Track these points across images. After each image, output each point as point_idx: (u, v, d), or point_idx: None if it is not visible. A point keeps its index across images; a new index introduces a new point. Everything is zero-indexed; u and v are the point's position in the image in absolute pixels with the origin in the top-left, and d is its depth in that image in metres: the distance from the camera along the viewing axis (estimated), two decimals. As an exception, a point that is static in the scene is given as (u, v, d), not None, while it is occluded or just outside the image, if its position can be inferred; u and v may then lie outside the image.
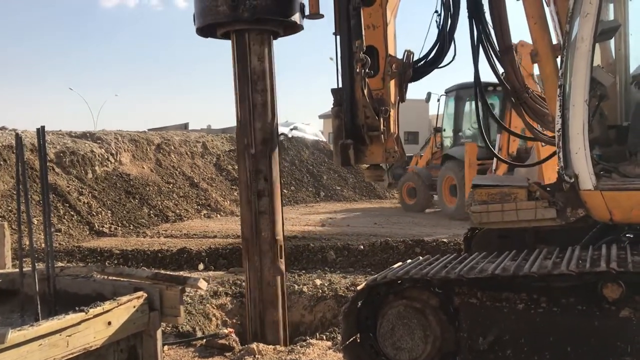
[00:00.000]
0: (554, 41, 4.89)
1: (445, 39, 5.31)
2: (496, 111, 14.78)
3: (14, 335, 2.65)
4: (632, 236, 4.26)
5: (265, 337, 5.35)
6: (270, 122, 5.59)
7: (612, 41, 4.76)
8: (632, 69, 4.79)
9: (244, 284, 6.04)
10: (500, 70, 5.33)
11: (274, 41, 5.81)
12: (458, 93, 14.85)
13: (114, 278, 3.91)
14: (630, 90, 4.65)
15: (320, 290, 7.10)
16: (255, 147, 5.52)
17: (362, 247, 9.08)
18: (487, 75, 5.40)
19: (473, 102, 15.51)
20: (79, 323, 3.01)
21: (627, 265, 3.27)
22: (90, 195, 14.86)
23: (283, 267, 5.62)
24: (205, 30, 5.75)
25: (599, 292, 3.42)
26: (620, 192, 3.81)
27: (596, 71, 4.09)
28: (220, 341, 5.14)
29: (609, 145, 4.44)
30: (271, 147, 5.59)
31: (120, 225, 14.05)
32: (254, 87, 5.54)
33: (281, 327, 5.58)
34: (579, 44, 3.84)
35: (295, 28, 5.86)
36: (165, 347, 5.05)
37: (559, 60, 4.72)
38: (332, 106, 5.31)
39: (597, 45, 4.24)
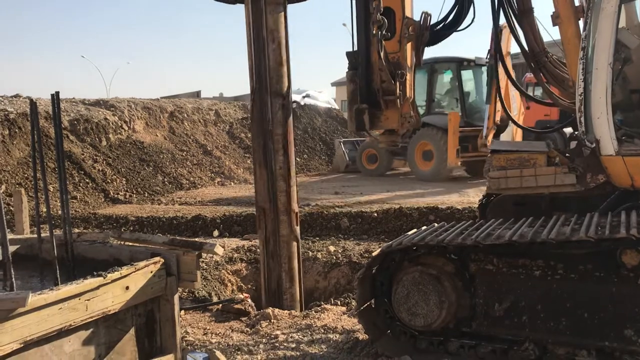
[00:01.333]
0: (576, 3, 4.76)
1: (464, 1, 5.19)
2: (470, 85, 15.62)
3: (34, 299, 2.67)
4: (652, 203, 4.20)
5: (283, 305, 5.39)
6: (287, 88, 5.50)
7: (638, 2, 4.61)
8: (658, 31, 4.65)
9: (258, 250, 6.07)
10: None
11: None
12: (432, 66, 15.48)
13: (130, 244, 3.93)
14: (655, 53, 4.52)
15: (334, 257, 7.12)
16: (272, 115, 5.43)
17: (375, 214, 9.06)
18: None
19: (447, 75, 16.20)
20: (97, 287, 3.03)
21: (648, 231, 3.21)
22: (104, 162, 14.93)
23: (298, 234, 5.62)
24: None
25: (618, 258, 3.39)
26: (642, 158, 3.74)
27: (621, 33, 3.98)
28: (236, 306, 5.18)
29: (631, 110, 4.34)
30: (287, 113, 5.52)
31: (135, 192, 14.14)
32: (271, 53, 5.41)
33: (297, 294, 5.61)
34: (604, 5, 3.73)
35: None
36: (182, 312, 5.11)
37: (580, 22, 4.60)
38: (346, 70, 5.23)
39: (622, 6, 4.12)
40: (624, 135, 3.92)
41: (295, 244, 5.57)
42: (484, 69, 14.43)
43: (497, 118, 12.51)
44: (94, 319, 3.06)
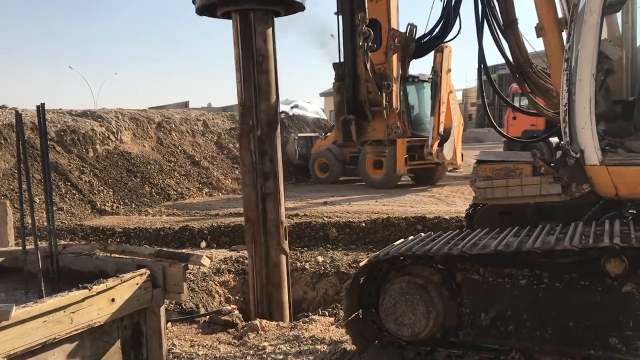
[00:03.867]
0: (560, 15, 4.82)
1: (450, 13, 5.24)
2: (414, 99, 16.55)
3: (18, 312, 2.65)
4: (635, 212, 4.25)
5: (273, 318, 5.36)
6: (275, 103, 5.51)
7: (619, 14, 4.69)
8: (639, 42, 4.72)
9: (246, 261, 6.05)
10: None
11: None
12: None
13: (116, 255, 3.91)
14: (637, 64, 4.59)
15: (323, 267, 7.12)
16: (261, 129, 5.43)
17: (363, 224, 9.07)
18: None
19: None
20: (82, 300, 3.01)
21: (630, 240, 3.25)
22: (91, 173, 14.84)
23: (287, 247, 5.62)
24: (203, 9, 5.63)
25: (602, 267, 3.41)
26: (626, 168, 3.78)
27: (604, 45, 4.03)
28: (224, 317, 5.16)
29: (614, 120, 4.40)
30: (275, 128, 5.53)
31: (122, 203, 14.06)
32: (259, 68, 5.40)
33: (287, 307, 5.59)
34: (587, 17, 3.78)
35: (297, 7, 5.76)
36: (169, 324, 5.08)
37: (564, 34, 4.66)
38: (333, 81, 5.26)
39: (603, 18, 4.19)
40: (608, 145, 3.96)
41: (284, 256, 5.57)
42: (426, 84, 15.65)
43: (441, 129, 13.60)
44: (79, 331, 3.04)
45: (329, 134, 19.23)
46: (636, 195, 3.81)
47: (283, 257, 5.55)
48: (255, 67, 5.40)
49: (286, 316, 5.54)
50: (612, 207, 4.28)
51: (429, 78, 14.68)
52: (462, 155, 15.32)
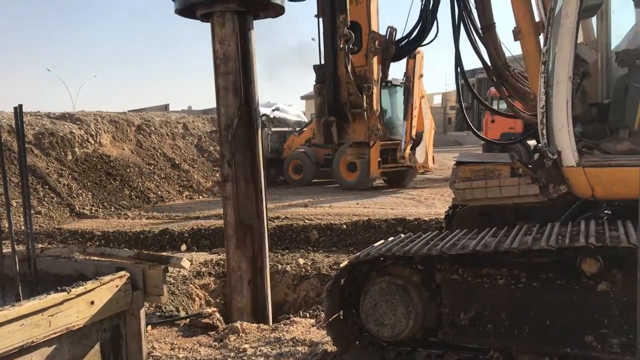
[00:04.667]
0: (536, 19, 4.90)
1: (427, 17, 5.29)
2: (386, 103, 16.78)
3: (-6, 315, 2.61)
4: (610, 212, 4.32)
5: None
6: (234, 106, 5.48)
7: (594, 19, 4.78)
8: (613, 46, 4.81)
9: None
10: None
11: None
12: None
13: (95, 258, 3.87)
14: (612, 67, 4.68)
15: (304, 269, 7.12)
16: (220, 132, 5.49)
17: (345, 226, 9.10)
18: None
19: None
20: (61, 303, 2.97)
21: (605, 240, 3.31)
22: (70, 177, 14.67)
23: (252, 251, 5.55)
24: (183, 10, 5.64)
25: (578, 267, 3.47)
26: (602, 169, 3.85)
27: (579, 48, 4.10)
28: (204, 320, 5.13)
29: (590, 123, 4.47)
30: (234, 132, 5.49)
31: (101, 207, 13.91)
32: (217, 70, 5.44)
33: (248, 313, 5.57)
34: (563, 21, 3.85)
35: (277, 10, 5.78)
36: (149, 327, 5.04)
37: (541, 38, 4.74)
38: (314, 83, 5.28)
39: (579, 22, 4.26)
40: (584, 147, 4.03)
41: (245, 263, 5.58)
42: (398, 88, 15.83)
43: (413, 133, 14.26)
44: (57, 335, 3.00)
45: (305, 128, 19.48)
46: (611, 196, 3.89)
47: (242, 262, 5.54)
48: (215, 69, 5.42)
49: (268, 318, 5.54)
50: (588, 208, 4.36)
51: (401, 83, 14.99)
52: (433, 159, 15.92)
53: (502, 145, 11.95)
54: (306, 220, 10.02)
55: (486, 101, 18.35)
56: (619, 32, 4.82)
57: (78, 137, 16.00)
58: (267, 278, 5.65)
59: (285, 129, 21.35)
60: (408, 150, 14.20)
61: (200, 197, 16.46)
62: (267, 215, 5.74)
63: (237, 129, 5.45)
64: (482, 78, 34.37)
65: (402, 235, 4.48)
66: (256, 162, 5.57)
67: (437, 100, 49.07)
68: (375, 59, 5.26)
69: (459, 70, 5.54)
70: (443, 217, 5.54)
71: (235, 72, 5.46)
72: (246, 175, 5.49)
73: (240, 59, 5.45)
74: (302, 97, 48.40)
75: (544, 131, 3.98)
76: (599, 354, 3.43)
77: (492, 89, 16.40)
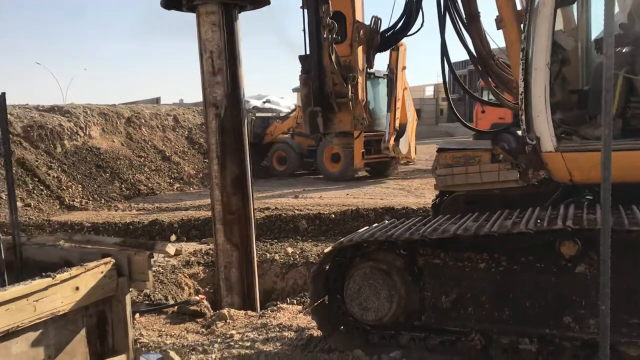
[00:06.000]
0: (518, 7, 4.94)
1: (412, 7, 5.32)
2: (370, 94, 16.97)
3: (-21, 300, 2.65)
4: (591, 197, 4.40)
5: (255, 307, 5.49)
6: (220, 95, 5.52)
7: (575, 7, 4.83)
8: (594, 35, 4.87)
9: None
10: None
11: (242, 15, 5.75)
12: None
13: (81, 245, 3.90)
14: (592, 55, 4.74)
15: (292, 258, 7.18)
16: (206, 120, 5.65)
17: (333, 215, 9.16)
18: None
19: None
20: (45, 288, 3.01)
21: (582, 222, 3.37)
22: (59, 169, 14.63)
23: (239, 238, 5.63)
24: (169, 2, 5.66)
25: (557, 249, 3.54)
26: (579, 154, 3.92)
27: (558, 35, 4.16)
28: (192, 308, 5.18)
29: (571, 109, 4.54)
30: (221, 119, 5.54)
31: (91, 199, 13.90)
32: (202, 61, 5.52)
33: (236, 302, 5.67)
34: (541, 8, 3.90)
35: (261, 2, 5.81)
36: (137, 315, 5.09)
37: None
38: (299, 74, 5.31)
39: (559, 10, 4.32)
40: (563, 133, 4.10)
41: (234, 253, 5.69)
42: (380, 80, 15.90)
43: (397, 124, 14.51)
44: (43, 320, 3.03)
45: (291, 114, 19.51)
46: (589, 180, 3.95)
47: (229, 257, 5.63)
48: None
49: (255, 306, 5.60)
50: (571, 194, 4.42)
51: (384, 75, 15.10)
52: (415, 149, 16.13)
53: (490, 134, 12.08)
54: (295, 211, 10.07)
55: (476, 92, 18.44)
56: (600, 20, 4.87)
57: (67, 129, 15.95)
58: (255, 265, 5.70)
59: (269, 114, 21.33)
60: (392, 142, 14.43)
61: (191, 188, 16.47)
62: (253, 202, 5.79)
63: (224, 118, 5.49)
64: (473, 69, 34.45)
65: (387, 221, 4.54)
66: (242, 149, 5.61)
67: (429, 92, 49.09)
68: (360, 49, 5.30)
69: (444, 59, 5.58)
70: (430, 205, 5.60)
71: (222, 62, 5.49)
72: (232, 162, 5.54)
73: (226, 50, 5.48)
74: (294, 90, 48.33)
75: (524, 117, 4.04)
76: (576, 334, 3.52)
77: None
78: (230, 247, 5.53)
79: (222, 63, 5.45)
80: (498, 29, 5.06)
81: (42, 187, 13.50)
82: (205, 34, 5.43)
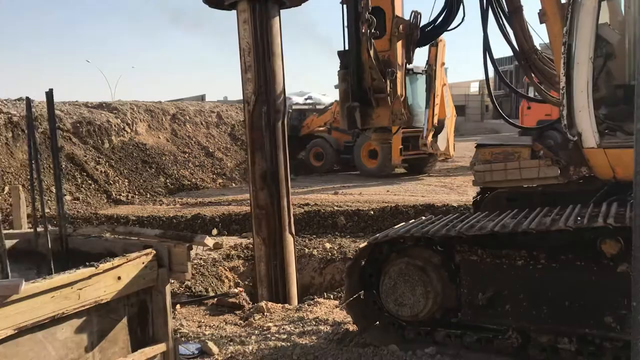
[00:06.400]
0: (562, 0, 4.83)
1: (453, 1, 5.27)
2: (408, 91, 16.74)
3: (27, 286, 2.77)
4: (637, 196, 4.26)
5: (290, 300, 5.57)
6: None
7: (622, -1, 4.69)
8: (642, 27, 4.71)
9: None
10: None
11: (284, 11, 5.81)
12: None
13: (124, 237, 4.03)
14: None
15: (330, 253, 7.21)
16: (245, 116, 5.76)
17: (372, 212, 9.15)
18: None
19: None
20: (89, 277, 3.12)
21: (624, 220, 3.29)
22: (107, 164, 15.07)
23: (275, 232, 5.69)
24: (212, 1, 5.76)
25: (598, 248, 3.46)
26: (623, 150, 3.81)
27: (602, 29, 4.05)
28: (231, 300, 5.28)
29: (616, 105, 4.41)
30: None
31: (137, 193, 14.27)
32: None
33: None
34: (584, 1, 3.81)
35: None
36: (178, 306, 5.21)
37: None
38: (338, 69, 5.33)
39: (605, 3, 4.20)
40: (607, 129, 3.99)
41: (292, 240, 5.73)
42: (419, 76, 15.71)
43: (435, 121, 14.27)
44: (86, 307, 3.15)
45: (329, 107, 19.43)
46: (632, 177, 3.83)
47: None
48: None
49: (294, 298, 5.66)
50: (617, 192, 4.30)
51: (422, 71, 14.93)
52: (454, 146, 15.81)
53: (535, 131, 11.77)
54: (334, 207, 10.10)
55: (522, 88, 18.00)
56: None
57: (115, 125, 16.40)
58: (287, 260, 5.74)
59: (306, 107, 21.38)
60: (430, 138, 14.28)
61: (233, 184, 16.70)
62: (289, 198, 5.82)
63: (253, 114, 5.57)
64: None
65: (424, 217, 4.52)
66: (275, 145, 5.66)
67: (474, 88, 48.29)
68: (399, 44, 5.28)
69: (487, 54, 5.50)
70: (471, 203, 5.54)
71: (251, 59, 5.57)
72: (261, 158, 5.61)
73: (256, 47, 5.54)
74: (336, 87, 48.31)
75: (565, 113, 3.95)
76: (618, 335, 3.43)
77: (528, 76, 16.15)
78: (259, 242, 5.60)
79: (252, 60, 5.52)
80: (541, 22, 4.95)
81: (90, 182, 13.93)
82: (240, 32, 5.53)
